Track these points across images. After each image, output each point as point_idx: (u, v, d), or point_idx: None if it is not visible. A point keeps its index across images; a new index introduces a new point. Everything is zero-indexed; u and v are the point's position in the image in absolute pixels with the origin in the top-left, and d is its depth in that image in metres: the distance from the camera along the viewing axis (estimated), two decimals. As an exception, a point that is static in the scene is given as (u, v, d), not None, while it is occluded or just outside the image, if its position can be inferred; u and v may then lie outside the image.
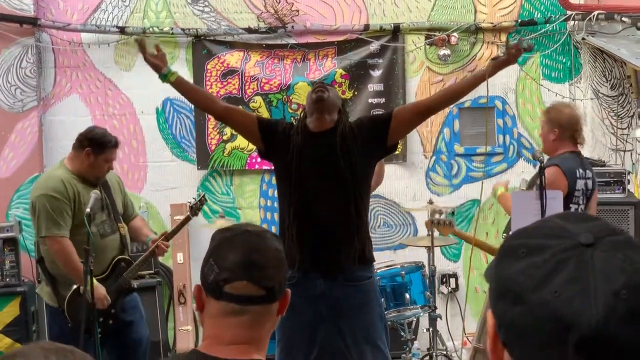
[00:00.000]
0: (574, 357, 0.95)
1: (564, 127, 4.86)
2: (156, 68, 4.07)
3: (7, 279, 6.33)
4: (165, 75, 4.06)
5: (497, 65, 4.03)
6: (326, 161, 3.95)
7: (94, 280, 4.40)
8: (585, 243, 0.99)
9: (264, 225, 7.17)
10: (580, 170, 4.84)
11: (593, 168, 5.16)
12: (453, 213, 5.27)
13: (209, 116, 7.08)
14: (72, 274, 4.53)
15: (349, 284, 3.95)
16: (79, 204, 4.60)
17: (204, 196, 5.23)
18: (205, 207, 7.12)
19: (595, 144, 7.16)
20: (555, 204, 4.36)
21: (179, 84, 4.13)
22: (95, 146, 4.68)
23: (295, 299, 3.89)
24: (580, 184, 4.81)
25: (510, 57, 3.97)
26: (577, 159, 4.91)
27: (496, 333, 1.05)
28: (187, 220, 5.03)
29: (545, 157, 4.84)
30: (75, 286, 4.58)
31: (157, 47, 4.11)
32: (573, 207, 4.79)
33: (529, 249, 1.02)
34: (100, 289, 4.56)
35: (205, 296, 1.89)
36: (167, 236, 4.88)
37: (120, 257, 4.81)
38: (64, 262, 4.54)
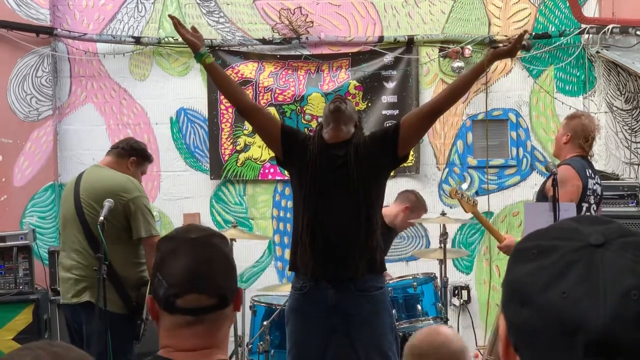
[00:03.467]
0: None
1: (576, 134, 5.01)
2: (193, 46, 4.00)
3: (21, 287, 6.35)
4: (201, 55, 4.00)
5: (497, 54, 4.02)
6: (339, 172, 3.96)
7: None
8: (595, 244, 0.97)
9: (276, 237, 7.19)
10: (589, 171, 4.95)
11: (606, 181, 5.22)
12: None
13: (223, 126, 7.11)
14: None
15: (360, 293, 3.95)
16: None
17: None
18: (218, 217, 7.18)
19: (608, 157, 7.14)
20: (568, 216, 4.36)
21: (213, 68, 4.07)
22: (141, 157, 4.85)
23: (306, 308, 3.96)
24: (590, 182, 4.90)
25: (511, 48, 3.96)
26: (585, 162, 5.02)
27: (507, 337, 1.03)
28: None
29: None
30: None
31: (194, 28, 4.08)
32: (585, 205, 4.86)
33: (539, 250, 1.00)
34: None
35: (159, 308, 1.85)
36: None
37: None
38: None
